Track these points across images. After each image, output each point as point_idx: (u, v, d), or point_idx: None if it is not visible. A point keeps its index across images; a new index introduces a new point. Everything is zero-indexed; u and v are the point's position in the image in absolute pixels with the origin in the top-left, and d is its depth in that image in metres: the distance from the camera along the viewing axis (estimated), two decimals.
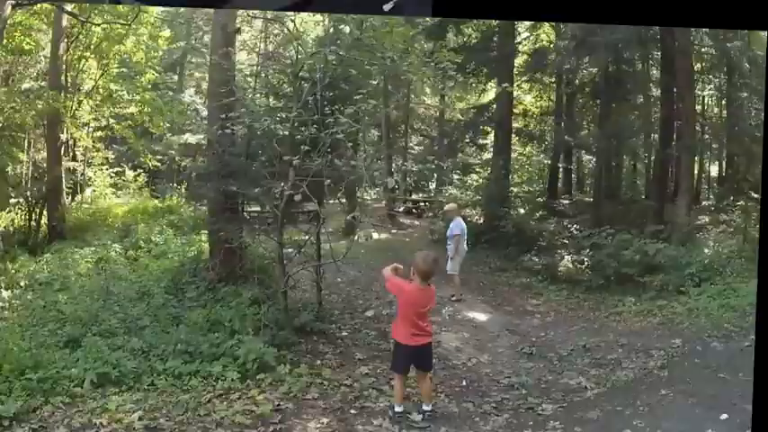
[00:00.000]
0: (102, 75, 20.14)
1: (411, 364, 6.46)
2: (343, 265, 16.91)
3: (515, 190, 20.45)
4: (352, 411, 6.72)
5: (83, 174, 23.28)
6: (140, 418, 5.97)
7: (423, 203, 25.99)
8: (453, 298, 12.45)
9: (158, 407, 6.34)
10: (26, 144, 19.52)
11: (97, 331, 8.41)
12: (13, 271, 13.47)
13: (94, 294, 10.37)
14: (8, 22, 16.76)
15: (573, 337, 9.97)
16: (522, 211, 18.66)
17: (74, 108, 18.84)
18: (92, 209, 20.64)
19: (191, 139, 24.51)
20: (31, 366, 6.78)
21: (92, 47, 19.15)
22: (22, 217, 17.57)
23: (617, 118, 17.74)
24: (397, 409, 6.43)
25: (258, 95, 14.76)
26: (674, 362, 7.80)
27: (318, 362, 8.25)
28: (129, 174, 25.04)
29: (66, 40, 18.04)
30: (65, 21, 17.19)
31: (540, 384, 7.79)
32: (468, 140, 21.81)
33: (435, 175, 26.40)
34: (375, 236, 20.92)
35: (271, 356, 7.61)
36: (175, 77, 28.24)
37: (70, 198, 22.88)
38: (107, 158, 22.81)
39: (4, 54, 18.11)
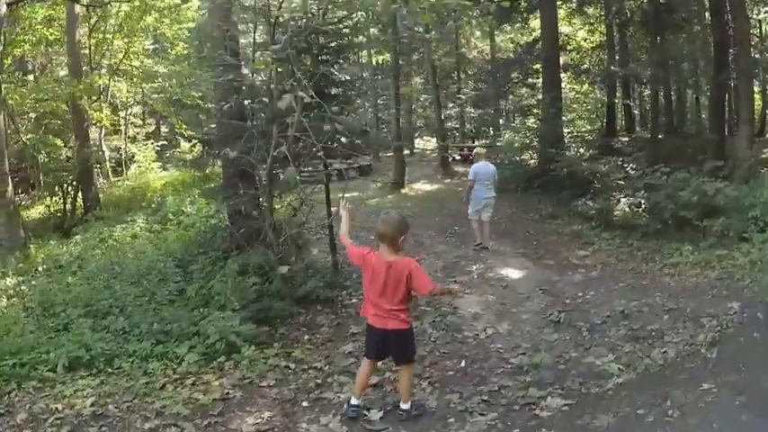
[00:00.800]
0: (126, 54, 19.40)
1: (383, 350, 4.97)
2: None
3: (572, 130, 18.33)
4: (305, 404, 5.44)
5: (126, 151, 22.87)
6: (93, 404, 5.41)
7: (470, 149, 24.15)
8: (475, 243, 11.73)
9: (113, 392, 5.67)
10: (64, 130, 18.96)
11: (89, 312, 7.91)
12: (37, 256, 13.09)
13: (103, 275, 9.87)
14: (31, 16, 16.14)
15: (614, 297, 8.20)
16: (577, 151, 16.59)
17: (107, 89, 18.28)
18: (133, 185, 20.14)
19: None
20: (14, 352, 6.38)
21: (114, 27, 18.49)
22: (58, 201, 17.11)
23: (669, 47, 15.23)
24: (353, 401, 5.07)
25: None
26: (726, 336, 5.96)
27: (306, 337, 7.39)
28: (185, 145, 24.45)
29: (88, 23, 17.36)
30: (77, 8, 16.43)
31: (557, 365, 6.17)
32: (517, 81, 19.65)
33: (492, 119, 24.42)
34: (425, 187, 19.30)
35: (245, 335, 6.71)
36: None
37: (116, 175, 22.54)
38: (155, 132, 22.29)
39: (29, 47, 17.65)
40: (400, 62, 28.19)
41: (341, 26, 10.96)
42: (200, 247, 10.80)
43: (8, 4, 12.69)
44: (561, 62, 17.71)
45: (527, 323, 7.77)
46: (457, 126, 29.68)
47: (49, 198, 17.29)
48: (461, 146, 26.23)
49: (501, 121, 22.05)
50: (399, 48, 20.33)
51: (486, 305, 8.69)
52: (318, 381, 5.95)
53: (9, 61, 17.64)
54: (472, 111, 27.48)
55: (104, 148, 22.82)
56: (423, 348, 6.75)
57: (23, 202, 18.22)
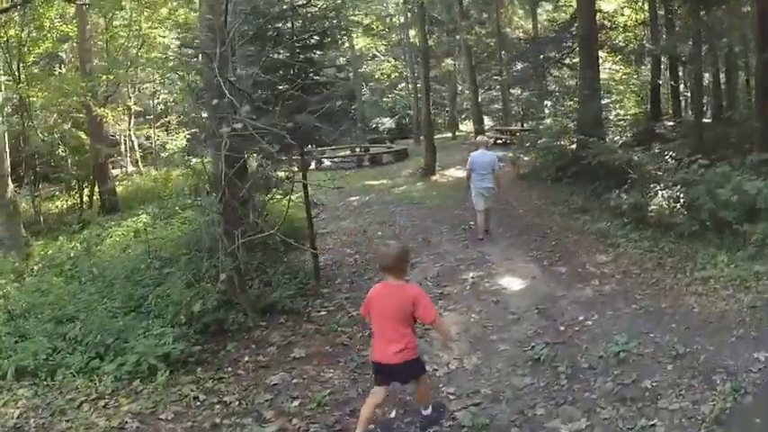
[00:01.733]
0: (143, 44, 18.41)
1: (388, 380, 4.69)
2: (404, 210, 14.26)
3: (618, 113, 16.17)
4: None
5: (153, 143, 22.05)
6: (18, 416, 5.20)
7: (511, 133, 22.06)
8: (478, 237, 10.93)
9: (39, 406, 5.37)
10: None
11: (55, 317, 7.35)
12: (35, 255, 12.54)
13: (83, 277, 9.32)
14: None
15: (619, 327, 6.44)
16: (614, 137, 14.44)
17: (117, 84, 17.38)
18: (154, 175, 19.27)
19: None
20: None
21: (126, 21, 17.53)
22: (74, 195, 16.29)
23: (715, 22, 12.77)
24: None
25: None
26: (740, 410, 4.14)
27: (246, 359, 6.62)
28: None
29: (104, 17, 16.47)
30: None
31: (511, 427, 4.53)
32: (555, 61, 17.45)
33: (537, 101, 22.28)
34: (458, 173, 17.54)
35: (175, 355, 6.18)
36: None
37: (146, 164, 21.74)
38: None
39: (50, 44, 16.91)
40: (431, 44, 26.41)
41: (314, 10, 9.55)
42: (186, 247, 9.80)
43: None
44: (601, 41, 15.43)
45: (501, 357, 6.11)
46: (500, 108, 27.70)
47: (66, 192, 16.54)
48: (504, 129, 24.19)
49: (548, 103, 19.77)
50: (429, 28, 18.56)
51: (466, 327, 7.07)
52: (217, 420, 5.16)
53: (30, 59, 16.87)
54: (519, 92, 25.41)
55: (133, 137, 22.09)
56: (364, 383, 5.68)
57: (46, 196, 17.51)
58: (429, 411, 4.83)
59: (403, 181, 19.06)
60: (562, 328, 6.68)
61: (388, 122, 32.49)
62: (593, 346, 5.98)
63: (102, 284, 8.65)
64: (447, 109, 31.33)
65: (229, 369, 6.35)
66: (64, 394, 5.58)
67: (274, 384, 5.88)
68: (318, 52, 9.90)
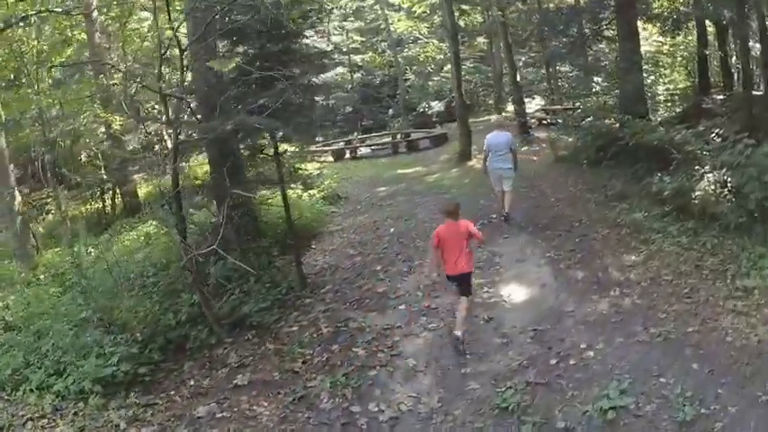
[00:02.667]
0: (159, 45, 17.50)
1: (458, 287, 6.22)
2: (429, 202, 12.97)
3: (663, 89, 14.14)
4: None
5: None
6: None
7: (555, 113, 20.04)
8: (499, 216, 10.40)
9: None
10: None
11: (38, 331, 7.08)
12: (43, 264, 12.16)
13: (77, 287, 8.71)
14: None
15: (623, 365, 4.95)
16: (663, 114, 12.45)
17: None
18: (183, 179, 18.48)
19: None
20: None
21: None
22: (96, 200, 15.62)
23: None
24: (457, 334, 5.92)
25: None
26: None
27: (191, 382, 6.11)
28: None
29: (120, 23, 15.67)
30: (95, 13, 15.04)
31: None
32: (593, 34, 15.36)
33: (584, 78, 20.11)
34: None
35: (119, 377, 5.88)
36: None
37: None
38: None
39: (73, 51, 16.30)
40: (463, 22, 24.46)
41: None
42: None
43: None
44: (640, 9, 13.29)
45: (466, 400, 4.90)
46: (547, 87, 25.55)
47: (90, 197, 15.88)
48: (549, 108, 22.15)
49: (598, 79, 17.60)
50: (459, 6, 16.90)
51: (438, 355, 5.70)
52: None
53: (52, 74, 16.23)
54: (568, 70, 23.26)
55: (166, 136, 21.39)
56: (292, 423, 5.12)
57: (80, 200, 16.90)
58: (460, 333, 5.89)
59: (437, 168, 17.51)
60: (554, 361, 5.20)
61: (436, 106, 30.81)
62: (581, 394, 4.50)
63: (88, 296, 7.93)
64: (494, 90, 29.39)
65: (170, 393, 5.90)
66: (19, 410, 5.47)
67: (199, 417, 5.40)
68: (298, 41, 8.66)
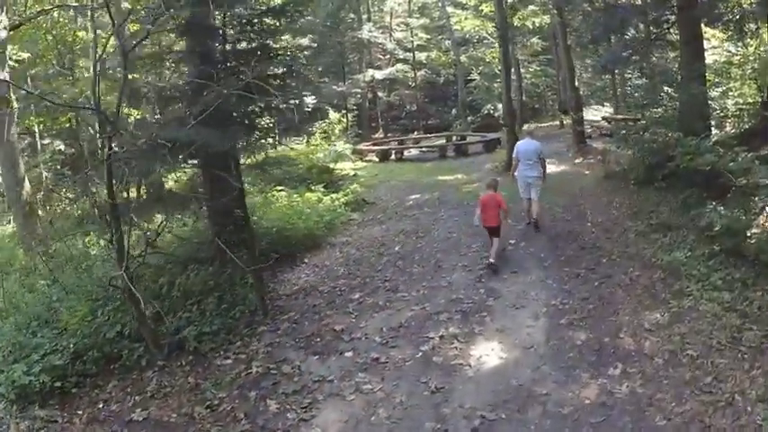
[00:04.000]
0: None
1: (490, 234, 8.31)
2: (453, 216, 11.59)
3: (732, 104, 11.85)
4: None
5: None
6: None
7: (617, 122, 17.68)
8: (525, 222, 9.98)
9: None
10: None
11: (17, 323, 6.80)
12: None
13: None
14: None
15: None
16: (724, 131, 10.23)
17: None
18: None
19: None
20: None
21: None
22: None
23: None
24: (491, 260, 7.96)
25: None
26: None
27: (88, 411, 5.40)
28: None
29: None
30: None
31: None
32: (653, 38, 13.09)
33: (651, 86, 17.69)
34: (552, 168, 13.88)
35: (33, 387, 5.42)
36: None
37: None
38: None
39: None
40: (517, 22, 22.22)
41: None
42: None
43: (9, 29, 11.08)
44: (703, 11, 10.99)
45: None
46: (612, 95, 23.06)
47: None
48: (611, 118, 19.78)
49: (668, 90, 15.22)
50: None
51: None
52: None
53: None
54: (635, 76, 20.80)
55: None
56: None
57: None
58: (493, 260, 7.94)
59: (479, 177, 15.73)
60: None
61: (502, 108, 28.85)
62: None
63: (66, 294, 7.39)
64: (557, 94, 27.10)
65: (77, 413, 5.36)
66: None
67: None
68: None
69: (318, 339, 6.24)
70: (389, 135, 28.39)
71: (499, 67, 29.68)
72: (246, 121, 7.05)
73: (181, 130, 5.50)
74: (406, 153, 21.10)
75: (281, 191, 12.12)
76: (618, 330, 5.77)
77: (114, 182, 5.63)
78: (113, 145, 5.52)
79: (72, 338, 6.11)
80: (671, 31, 11.99)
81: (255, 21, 6.87)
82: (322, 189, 12.99)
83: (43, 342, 6.08)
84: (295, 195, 12.44)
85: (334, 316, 6.84)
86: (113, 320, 6.40)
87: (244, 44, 7.09)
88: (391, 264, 8.75)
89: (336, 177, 15.26)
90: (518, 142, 10.08)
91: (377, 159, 19.75)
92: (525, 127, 11.15)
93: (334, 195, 13.10)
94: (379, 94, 30.74)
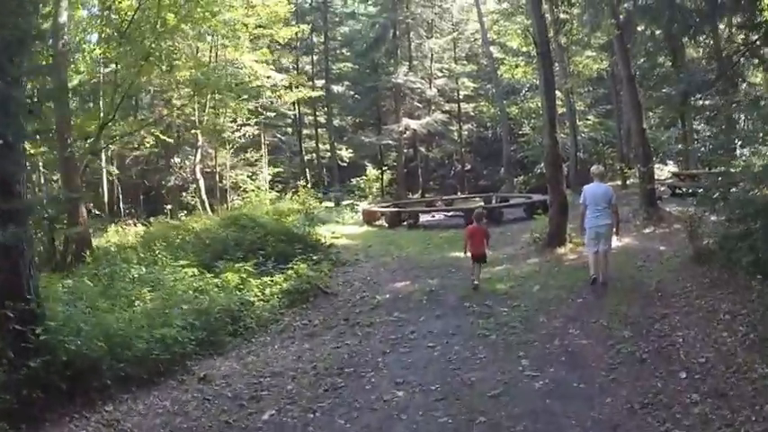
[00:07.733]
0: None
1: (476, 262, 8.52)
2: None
3: None
4: None
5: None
6: None
7: (692, 179, 12.39)
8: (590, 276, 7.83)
9: None
10: None
11: None
12: None
13: None
14: None
15: None
16: None
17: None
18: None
19: None
20: None
21: None
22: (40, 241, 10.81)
23: None
24: (475, 282, 8.45)
25: None
26: None
27: None
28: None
29: None
30: None
31: None
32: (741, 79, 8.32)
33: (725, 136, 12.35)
34: (613, 242, 8.65)
35: None
36: None
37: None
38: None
39: None
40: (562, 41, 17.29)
41: None
42: None
43: None
44: None
45: None
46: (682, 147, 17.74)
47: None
48: (683, 173, 14.44)
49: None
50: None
51: None
52: None
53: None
54: (706, 128, 15.55)
55: (199, 175, 16.88)
56: None
57: None
58: (477, 282, 8.42)
59: (508, 254, 10.61)
60: None
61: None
62: None
63: None
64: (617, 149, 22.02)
65: None
66: None
67: None
68: None
69: None
70: (426, 195, 23.90)
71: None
72: None
73: None
74: (428, 217, 16.44)
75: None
76: None
77: None
78: None
79: None
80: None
81: None
82: (251, 268, 8.60)
83: None
84: (209, 276, 8.21)
85: None
86: None
87: None
88: None
89: (312, 246, 10.88)
90: (585, 186, 8.26)
91: (386, 225, 15.25)
92: (594, 168, 8.45)
93: (274, 278, 8.65)
94: (421, 148, 26.50)
